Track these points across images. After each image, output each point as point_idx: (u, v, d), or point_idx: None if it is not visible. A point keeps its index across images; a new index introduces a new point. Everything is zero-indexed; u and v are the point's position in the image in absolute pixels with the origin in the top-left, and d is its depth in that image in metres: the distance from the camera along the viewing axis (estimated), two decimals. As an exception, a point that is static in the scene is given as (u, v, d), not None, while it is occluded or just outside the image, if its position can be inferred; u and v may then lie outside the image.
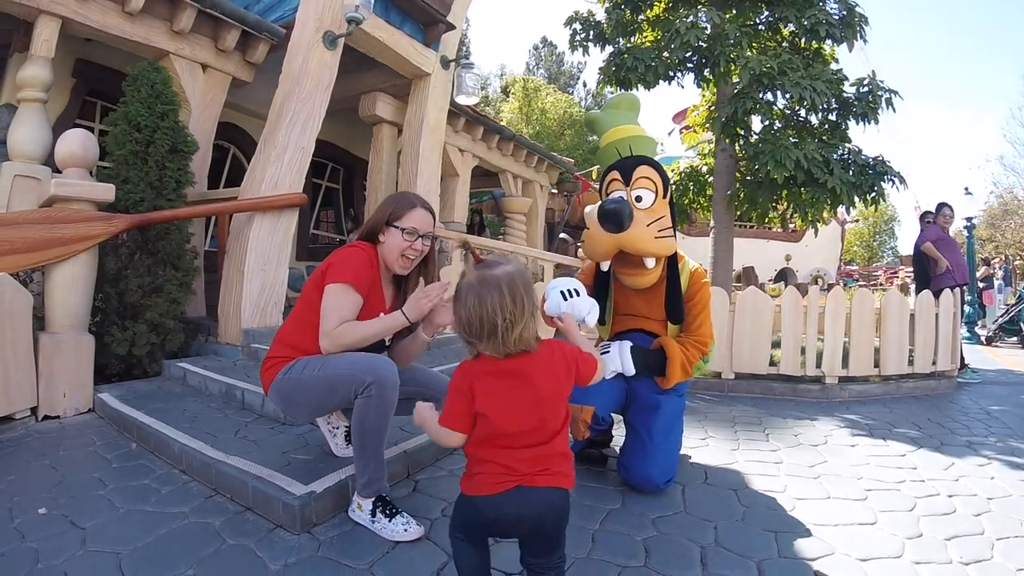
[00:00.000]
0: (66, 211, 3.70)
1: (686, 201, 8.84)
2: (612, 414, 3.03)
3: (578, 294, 2.23)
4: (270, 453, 2.81)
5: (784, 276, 17.03)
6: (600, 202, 2.72)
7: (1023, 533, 2.41)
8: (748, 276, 12.28)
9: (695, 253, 7.80)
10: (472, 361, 1.59)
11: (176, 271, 4.46)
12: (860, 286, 18.83)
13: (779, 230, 16.62)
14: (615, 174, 2.81)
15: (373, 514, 2.23)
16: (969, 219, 11.00)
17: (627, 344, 2.76)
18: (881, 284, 20.58)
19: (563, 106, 24.32)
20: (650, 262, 2.67)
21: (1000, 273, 14.33)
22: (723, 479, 2.99)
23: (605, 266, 2.83)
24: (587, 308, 2.21)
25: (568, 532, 2.25)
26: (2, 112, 4.71)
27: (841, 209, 8.35)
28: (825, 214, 7.35)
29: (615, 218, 2.53)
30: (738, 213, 7.78)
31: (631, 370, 2.71)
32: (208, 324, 4.95)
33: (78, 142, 3.79)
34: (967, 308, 10.66)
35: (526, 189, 10.81)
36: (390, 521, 2.20)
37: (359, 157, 8.71)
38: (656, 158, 2.99)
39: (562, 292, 2.23)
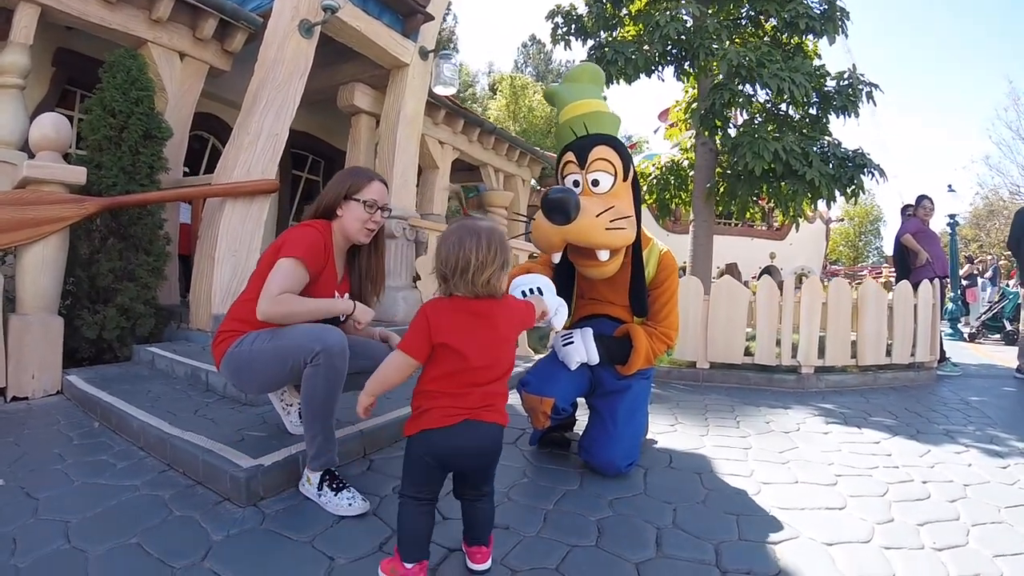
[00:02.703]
0: (37, 193, 3.66)
1: (667, 196, 8.87)
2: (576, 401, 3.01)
3: (542, 292, 2.21)
4: (226, 430, 2.79)
5: (768, 274, 17.09)
6: (546, 190, 2.51)
7: (1001, 519, 2.37)
8: (731, 273, 12.26)
9: (679, 250, 7.85)
10: (441, 299, 1.75)
11: (148, 256, 4.41)
12: (845, 283, 19.04)
13: (763, 227, 16.69)
14: (570, 155, 2.60)
15: (320, 488, 2.24)
16: (952, 216, 11.06)
17: (589, 332, 2.66)
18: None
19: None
20: (603, 254, 2.50)
21: (990, 273, 14.44)
22: (688, 463, 2.97)
23: (556, 258, 2.65)
24: (553, 308, 2.20)
25: (520, 511, 2.31)
26: None
27: (824, 207, 8.38)
28: (806, 208, 7.38)
29: (560, 208, 2.33)
30: (719, 208, 7.80)
31: (595, 359, 2.63)
32: (180, 311, 4.91)
33: (51, 125, 3.74)
34: (949, 304, 10.74)
35: (508, 183, 10.76)
36: (336, 495, 2.20)
37: (339, 149, 8.64)
38: (617, 134, 2.77)
39: (523, 292, 2.22)
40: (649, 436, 3.34)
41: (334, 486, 2.23)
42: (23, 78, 4.29)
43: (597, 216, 2.40)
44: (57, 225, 3.68)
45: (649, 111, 60.24)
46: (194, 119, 5.58)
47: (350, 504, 2.18)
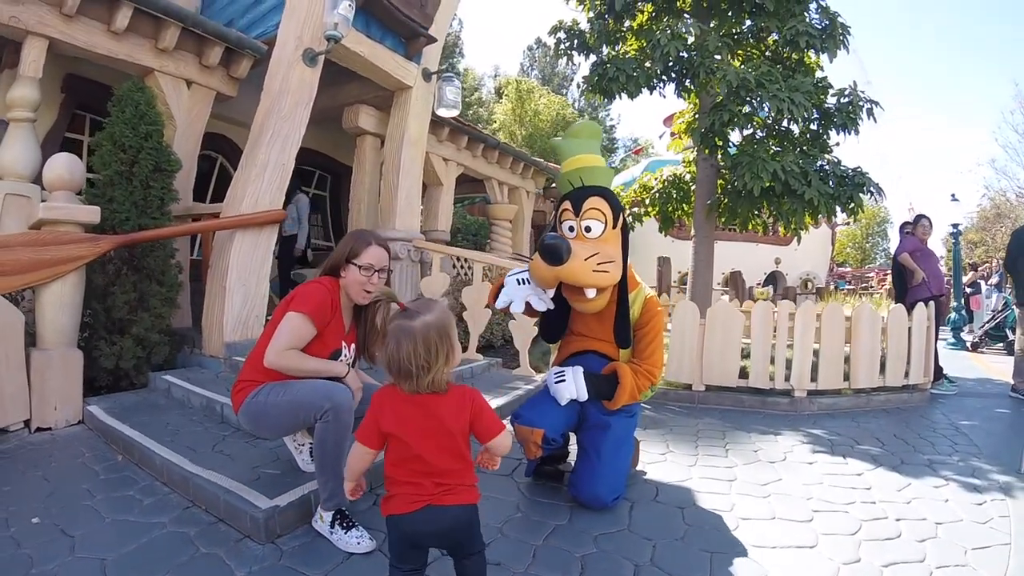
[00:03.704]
0: (54, 233, 3.84)
1: (669, 209, 8.97)
2: (567, 433, 3.16)
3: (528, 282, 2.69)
4: (242, 467, 2.99)
5: (773, 280, 17.13)
6: (542, 236, 2.81)
7: (965, 562, 2.45)
8: (735, 281, 12.36)
9: (685, 257, 7.96)
10: (391, 387, 1.82)
11: (161, 287, 4.59)
12: (850, 289, 18.99)
13: (769, 234, 16.75)
14: (567, 204, 2.91)
15: (332, 526, 2.44)
16: (955, 226, 11.10)
17: (580, 371, 2.88)
18: (872, 287, 20.70)
19: (556, 108, 24.47)
20: (590, 292, 2.77)
21: (995, 279, 14.42)
22: (673, 496, 3.11)
23: (551, 292, 2.94)
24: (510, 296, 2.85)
25: (511, 546, 2.48)
26: None
27: (837, 216, 8.45)
28: (808, 222, 7.47)
29: (553, 253, 2.64)
30: (721, 221, 7.91)
31: (584, 396, 2.85)
32: (193, 335, 5.09)
33: (64, 166, 3.91)
34: (952, 314, 10.80)
35: (512, 195, 10.91)
36: (346, 533, 2.41)
37: (346, 165, 8.80)
38: (612, 186, 3.08)
39: (517, 280, 2.83)
40: (639, 467, 3.49)
41: (344, 525, 2.44)
42: (33, 111, 4.47)
43: (585, 260, 2.69)
44: (74, 264, 3.87)
45: (656, 114, 60.20)
46: (203, 139, 5.75)
47: (359, 542, 2.38)
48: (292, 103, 5.05)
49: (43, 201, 4.04)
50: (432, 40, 6.53)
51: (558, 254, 2.63)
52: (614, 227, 2.87)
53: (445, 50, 6.93)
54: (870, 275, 25.99)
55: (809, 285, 16.49)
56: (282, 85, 5.02)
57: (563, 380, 2.88)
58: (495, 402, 4.39)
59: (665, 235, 9.48)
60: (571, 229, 2.89)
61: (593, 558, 2.41)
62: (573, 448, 3.41)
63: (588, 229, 2.83)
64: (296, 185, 7.89)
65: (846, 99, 6.98)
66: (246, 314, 4.75)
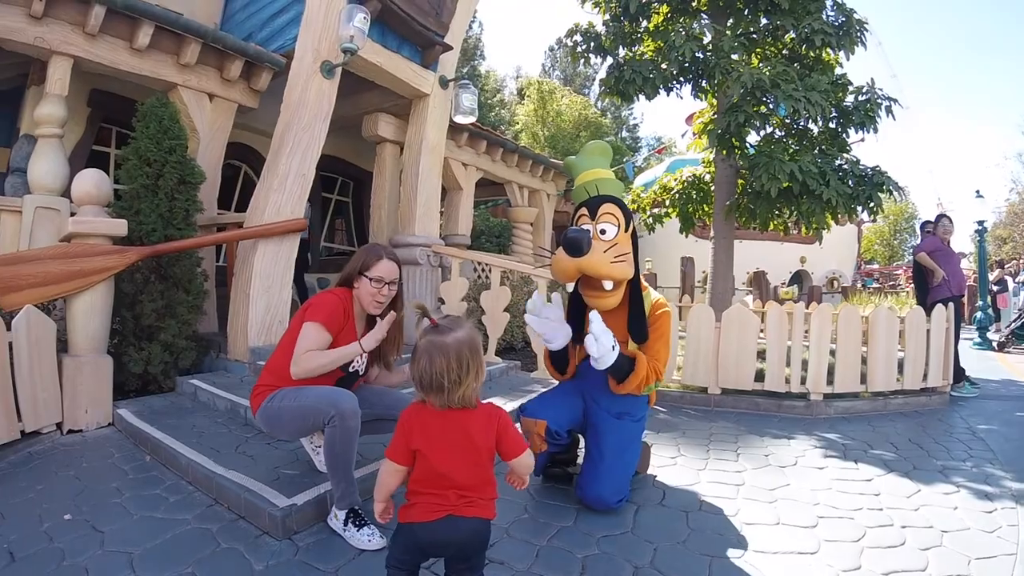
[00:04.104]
0: (83, 246, 4.03)
1: (690, 209, 8.97)
2: (575, 433, 3.30)
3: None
4: (263, 467, 3.15)
5: (799, 279, 16.95)
6: (565, 231, 3.00)
7: (967, 572, 2.43)
8: (759, 281, 12.23)
9: (708, 256, 7.95)
10: (419, 404, 1.87)
11: (187, 295, 4.77)
12: (877, 287, 18.69)
13: (794, 232, 16.55)
14: (583, 210, 3.11)
15: (345, 523, 2.58)
16: (980, 223, 10.91)
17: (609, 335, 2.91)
18: (900, 285, 20.35)
19: (578, 108, 24.44)
20: (607, 284, 2.94)
21: (1023, 276, 14.12)
22: (680, 500, 3.17)
23: (570, 286, 3.15)
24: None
25: (516, 546, 2.58)
26: (23, 142, 5.06)
27: (858, 216, 8.37)
28: (829, 222, 7.42)
29: (575, 244, 2.84)
30: (738, 220, 7.90)
31: (607, 342, 2.82)
32: (219, 340, 5.27)
33: (92, 182, 4.10)
34: (979, 313, 10.63)
35: (533, 198, 10.98)
36: (359, 531, 2.54)
37: (367, 171, 8.96)
38: (621, 196, 3.27)
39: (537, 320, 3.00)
40: (650, 471, 3.56)
41: (357, 523, 2.58)
42: (61, 127, 4.67)
43: (604, 252, 2.91)
44: (103, 275, 4.05)
45: (679, 112, 59.78)
46: (226, 149, 5.93)
47: (370, 540, 2.51)
48: (311, 114, 5.20)
49: (72, 214, 4.23)
50: (448, 48, 6.64)
51: (579, 246, 2.84)
52: (626, 231, 3.05)
53: (465, 53, 7.06)
54: (898, 273, 25.50)
55: (835, 284, 16.26)
56: (301, 97, 5.16)
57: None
58: (512, 404, 4.48)
59: (686, 236, 9.47)
60: (587, 229, 3.03)
61: (594, 559, 2.48)
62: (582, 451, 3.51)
63: (603, 232, 3.00)
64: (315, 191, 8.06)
65: (864, 97, 6.92)
66: (269, 320, 4.89)
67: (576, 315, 3.18)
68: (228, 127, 5.86)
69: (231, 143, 6.05)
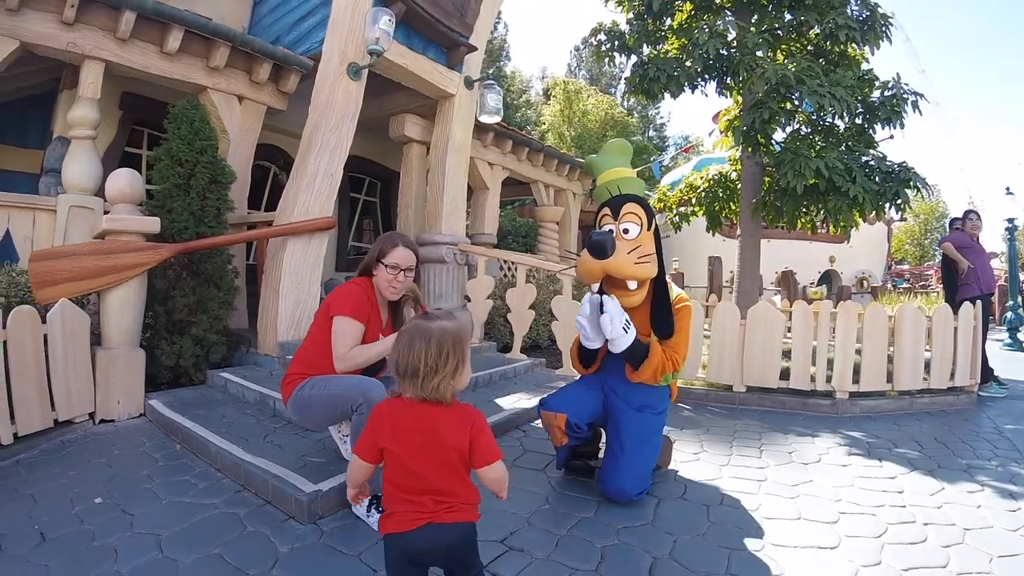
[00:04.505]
0: (117, 242, 4.18)
1: (716, 208, 8.91)
2: (596, 426, 3.31)
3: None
4: (291, 456, 3.24)
5: (828, 278, 16.71)
6: (589, 234, 3.06)
7: (988, 570, 2.41)
8: (787, 280, 12.12)
9: (735, 255, 7.90)
10: (390, 400, 1.80)
11: (218, 290, 4.91)
12: (907, 288, 18.35)
13: (823, 231, 16.32)
14: (606, 210, 3.16)
15: (369, 509, 2.65)
16: (1011, 220, 10.67)
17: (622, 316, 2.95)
18: (930, 285, 19.96)
19: (605, 108, 24.38)
20: (632, 284, 3.00)
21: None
22: (701, 494, 3.17)
23: (595, 287, 3.15)
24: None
25: (536, 535, 2.61)
26: (56, 144, 5.25)
27: (886, 213, 8.27)
28: (857, 220, 7.34)
29: (600, 247, 2.90)
30: (765, 218, 7.84)
31: (620, 321, 2.88)
32: (249, 336, 5.40)
33: (126, 180, 4.25)
34: (1009, 313, 10.40)
35: (559, 197, 11.02)
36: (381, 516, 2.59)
37: (394, 171, 9.07)
38: (642, 193, 3.29)
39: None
40: (672, 467, 3.57)
41: (380, 508, 2.61)
42: (94, 129, 4.84)
43: (628, 253, 2.96)
44: (136, 270, 4.19)
45: (706, 111, 59.26)
46: (256, 150, 6.06)
47: None
48: (338, 116, 5.30)
49: (106, 212, 4.38)
50: (473, 49, 6.71)
51: (603, 248, 2.90)
52: (648, 229, 3.09)
53: (491, 54, 7.16)
54: (928, 273, 25.00)
55: (864, 284, 15.99)
56: (328, 99, 5.27)
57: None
58: (536, 400, 4.52)
59: (713, 234, 9.42)
60: (610, 231, 3.08)
61: (613, 549, 2.51)
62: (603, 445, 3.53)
63: (626, 231, 3.05)
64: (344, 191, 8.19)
65: (890, 92, 6.82)
66: (298, 315, 5.00)
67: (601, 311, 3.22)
68: (257, 128, 5.99)
69: (260, 144, 6.18)
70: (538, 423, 4.13)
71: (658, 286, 3.14)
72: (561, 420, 3.08)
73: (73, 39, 4.63)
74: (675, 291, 3.23)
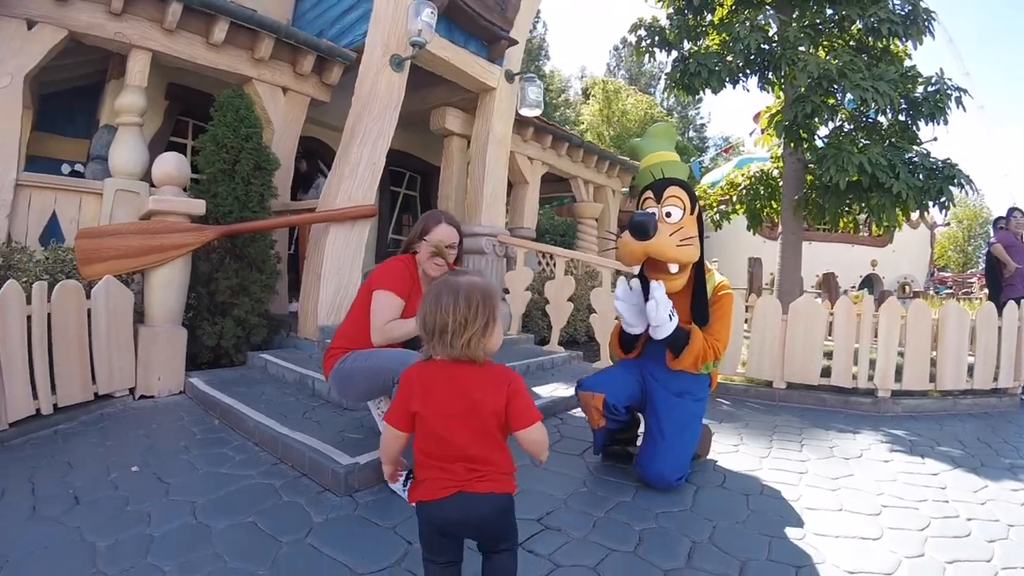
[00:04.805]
0: (163, 223, 4.29)
1: (757, 206, 8.79)
2: (635, 412, 3.29)
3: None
4: (329, 431, 3.29)
5: (869, 282, 16.35)
6: (631, 214, 3.03)
7: None
8: (828, 283, 11.87)
9: (777, 258, 7.78)
10: (420, 363, 1.71)
11: (261, 274, 5.02)
12: (949, 294, 17.84)
13: (864, 233, 15.98)
14: (649, 193, 3.12)
15: (406, 483, 2.64)
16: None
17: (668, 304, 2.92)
18: (973, 292, 19.33)
19: (644, 107, 24.24)
20: (673, 267, 2.96)
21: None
22: (740, 484, 3.12)
23: (636, 270, 3.19)
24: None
25: (573, 516, 2.60)
26: (103, 132, 5.40)
27: (930, 212, 8.09)
28: (900, 219, 7.17)
29: (642, 228, 2.87)
30: (807, 217, 7.71)
31: (664, 306, 2.86)
32: (290, 321, 5.49)
33: (172, 164, 4.38)
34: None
35: (598, 194, 10.98)
36: None
37: (434, 165, 9.11)
38: (686, 178, 3.25)
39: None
40: (710, 456, 3.53)
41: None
42: (140, 116, 4.97)
43: (670, 235, 2.92)
44: (181, 250, 4.30)
45: (746, 112, 58.42)
46: (299, 143, 6.16)
47: None
48: (382, 105, 5.35)
49: (152, 195, 4.49)
50: (513, 43, 6.72)
51: (646, 229, 2.86)
52: (691, 213, 3.05)
53: (530, 53, 7.14)
54: (972, 280, 24.25)
55: (907, 289, 15.61)
56: (371, 89, 5.33)
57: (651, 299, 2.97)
58: (573, 390, 4.52)
59: (754, 233, 9.30)
60: (653, 213, 3.04)
61: (651, 532, 2.49)
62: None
63: (669, 214, 3.00)
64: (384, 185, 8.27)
65: (933, 88, 6.65)
66: (339, 301, 5.06)
67: (645, 297, 3.17)
68: (301, 119, 6.10)
69: (304, 137, 6.28)
70: (576, 412, 4.14)
71: (699, 272, 3.10)
72: (599, 400, 3.05)
73: (121, 29, 4.77)
74: (717, 278, 3.20)
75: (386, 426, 1.76)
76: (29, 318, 3.39)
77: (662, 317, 2.83)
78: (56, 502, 2.55)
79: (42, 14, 4.51)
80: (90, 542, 2.22)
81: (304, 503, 2.61)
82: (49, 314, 3.51)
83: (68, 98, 6.49)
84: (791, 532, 2.55)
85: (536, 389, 4.65)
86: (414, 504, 1.69)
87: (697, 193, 9.43)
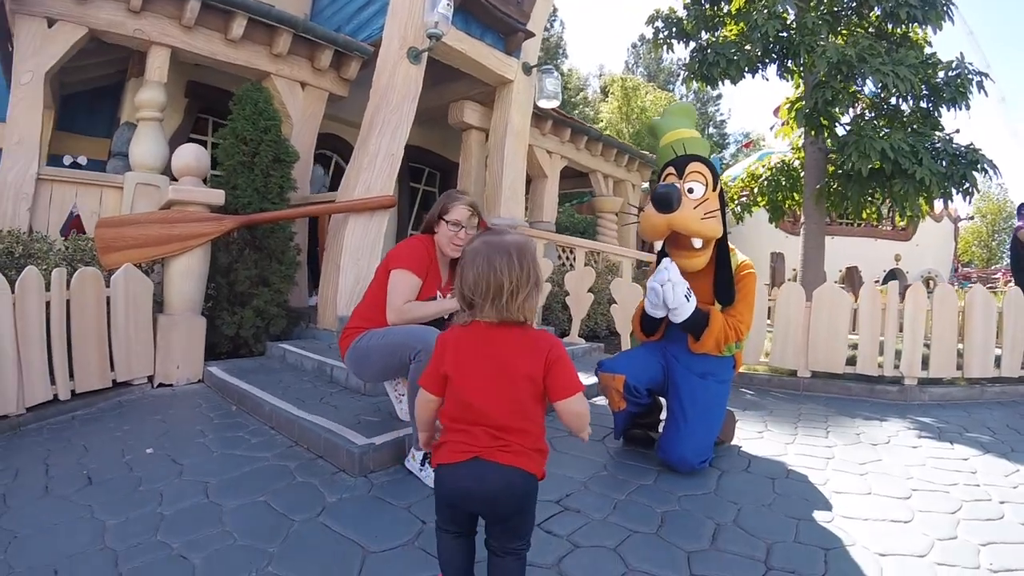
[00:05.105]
0: (182, 212, 4.32)
1: (779, 197, 8.68)
2: (657, 396, 3.22)
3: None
4: (345, 415, 3.27)
5: (893, 277, 16.08)
6: (655, 187, 2.97)
7: None
8: (852, 277, 11.71)
9: (798, 252, 7.67)
10: (458, 326, 1.61)
11: (280, 265, 5.04)
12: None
13: (887, 227, 15.72)
14: (671, 169, 3.06)
15: (422, 464, 2.65)
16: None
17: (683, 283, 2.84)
18: (998, 288, 18.95)
19: (663, 104, 23.97)
20: (696, 242, 2.90)
21: None
22: (765, 468, 3.05)
23: (658, 245, 3.12)
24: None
25: (594, 498, 2.54)
26: (124, 129, 5.49)
27: (953, 205, 7.95)
28: (924, 208, 7.04)
29: (666, 200, 2.80)
30: (832, 209, 7.59)
31: (681, 290, 2.79)
32: (310, 312, 5.52)
33: (192, 155, 4.42)
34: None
35: (618, 188, 10.92)
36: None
37: (453, 161, 9.10)
38: (707, 155, 3.18)
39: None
40: (735, 442, 3.46)
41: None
42: (160, 111, 5.04)
43: (694, 208, 2.86)
44: (200, 240, 4.32)
45: (764, 107, 57.88)
46: (318, 139, 6.19)
47: None
48: (399, 97, 5.35)
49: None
50: (530, 35, 6.70)
51: (669, 201, 2.80)
52: (714, 189, 2.98)
53: (548, 52, 7.11)
54: (996, 276, 23.75)
55: (931, 284, 15.32)
56: (389, 81, 5.33)
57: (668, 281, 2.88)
58: (593, 379, 4.47)
59: (776, 226, 9.20)
60: (676, 185, 2.96)
61: (674, 515, 2.43)
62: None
63: (691, 190, 2.94)
64: (403, 181, 8.26)
65: (954, 72, 6.51)
66: (358, 291, 5.04)
67: None
68: (320, 114, 6.14)
69: (324, 134, 6.34)
70: (597, 400, 4.08)
71: (722, 250, 3.03)
72: (619, 382, 2.99)
73: (140, 26, 4.86)
74: (739, 257, 3.13)
75: (420, 391, 1.68)
76: (48, 304, 3.43)
77: (679, 299, 2.77)
78: (69, 482, 2.58)
79: (62, 12, 4.59)
80: (100, 520, 2.25)
81: (318, 483, 2.60)
82: (68, 301, 3.55)
83: (89, 98, 6.60)
84: (819, 515, 2.48)
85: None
86: (434, 468, 1.61)
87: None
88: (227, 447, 3.03)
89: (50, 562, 1.95)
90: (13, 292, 3.23)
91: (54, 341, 3.47)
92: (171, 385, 4.21)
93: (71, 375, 3.58)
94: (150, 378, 4.14)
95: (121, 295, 3.89)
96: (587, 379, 4.39)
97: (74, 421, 3.43)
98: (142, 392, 4.04)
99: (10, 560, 1.96)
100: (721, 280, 3.01)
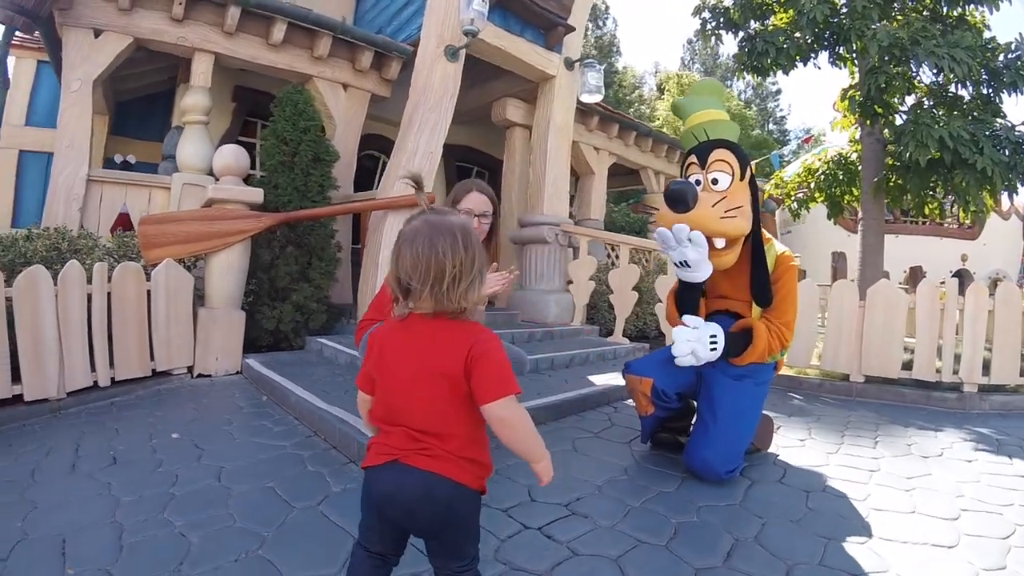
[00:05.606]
0: (221, 210, 4.45)
1: (837, 192, 8.33)
2: (688, 399, 3.06)
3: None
4: None
5: (960, 278, 15.28)
6: (668, 183, 2.73)
7: None
8: (915, 277, 11.18)
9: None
10: (393, 320, 1.41)
11: (321, 262, 5.14)
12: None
13: (952, 225, 14.94)
14: (692, 158, 2.81)
15: None
16: None
17: (706, 331, 2.62)
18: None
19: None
20: (719, 242, 2.64)
21: None
22: (801, 480, 2.87)
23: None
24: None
25: (606, 503, 2.43)
26: (173, 133, 5.69)
27: (1020, 200, 7.47)
28: (988, 201, 6.60)
29: (679, 197, 2.56)
30: (892, 203, 7.23)
31: (704, 356, 2.59)
32: (351, 309, 5.64)
33: (231, 155, 4.54)
34: None
35: (669, 185, 10.69)
36: None
37: (499, 159, 9.06)
38: (736, 139, 2.90)
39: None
40: (771, 450, 3.28)
41: None
42: (206, 115, 5.21)
43: (712, 206, 2.60)
44: (240, 236, 4.44)
45: (826, 100, 55.89)
46: (365, 140, 6.31)
47: None
48: (437, 95, 5.36)
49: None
50: (571, 29, 6.61)
51: (683, 198, 2.56)
52: (741, 179, 2.73)
53: (601, 49, 7.00)
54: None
55: (998, 285, 14.50)
56: (427, 80, 5.35)
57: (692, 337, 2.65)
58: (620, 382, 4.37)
59: (835, 222, 8.83)
60: (698, 183, 2.75)
61: (690, 526, 2.28)
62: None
63: (715, 182, 2.71)
64: (451, 180, 8.28)
65: (1014, 55, 6.07)
66: (397, 287, 5.10)
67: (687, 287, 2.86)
68: (362, 114, 6.22)
69: (370, 135, 6.43)
70: (628, 402, 3.96)
71: (755, 245, 2.77)
72: (647, 385, 2.82)
73: (183, 34, 5.03)
74: (778, 248, 2.86)
75: (358, 391, 1.51)
76: (90, 296, 3.59)
77: (706, 354, 2.54)
78: (95, 461, 2.72)
79: (107, 23, 4.78)
80: (116, 496, 2.36)
81: (327, 473, 2.65)
82: (109, 294, 3.70)
83: (143, 104, 6.93)
84: (852, 535, 2.27)
85: (592, 378, 4.53)
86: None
87: (774, 180, 9.05)
88: (250, 435, 3.15)
89: (60, 532, 2.06)
90: (55, 285, 3.39)
91: (95, 331, 3.63)
92: (210, 376, 4.36)
93: (111, 363, 3.74)
94: (190, 368, 4.30)
95: (162, 289, 4.04)
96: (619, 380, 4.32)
97: (112, 406, 3.60)
98: (181, 382, 4.19)
99: (26, 528, 2.08)
100: (757, 280, 2.76)
